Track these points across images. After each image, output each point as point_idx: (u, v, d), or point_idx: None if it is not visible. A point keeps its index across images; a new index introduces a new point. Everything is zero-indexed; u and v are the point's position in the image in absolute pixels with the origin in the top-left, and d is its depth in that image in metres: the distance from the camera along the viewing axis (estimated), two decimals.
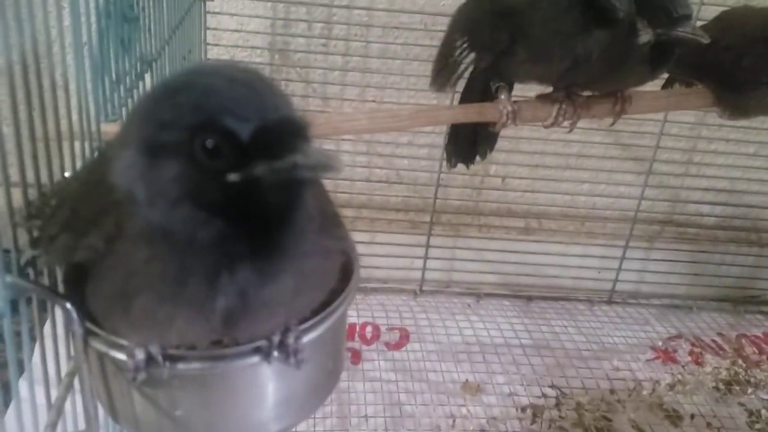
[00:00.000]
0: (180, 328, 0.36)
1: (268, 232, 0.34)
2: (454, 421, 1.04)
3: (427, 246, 1.34)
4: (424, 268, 1.36)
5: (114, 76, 0.58)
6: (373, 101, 1.24)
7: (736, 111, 0.82)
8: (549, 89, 0.74)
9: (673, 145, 1.33)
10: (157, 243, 0.34)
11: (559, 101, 0.72)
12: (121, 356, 0.40)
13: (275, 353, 0.41)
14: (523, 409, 1.08)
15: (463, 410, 1.07)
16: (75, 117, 0.50)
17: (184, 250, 0.34)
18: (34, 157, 0.42)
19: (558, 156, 1.31)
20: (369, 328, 1.25)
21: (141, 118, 0.34)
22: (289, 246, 0.35)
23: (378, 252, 1.33)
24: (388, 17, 1.18)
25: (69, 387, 0.44)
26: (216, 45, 1.15)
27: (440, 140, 1.21)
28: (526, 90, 0.77)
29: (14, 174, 0.41)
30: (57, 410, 0.43)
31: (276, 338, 0.41)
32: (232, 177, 0.32)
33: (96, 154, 0.49)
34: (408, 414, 1.05)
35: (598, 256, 1.38)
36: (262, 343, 0.41)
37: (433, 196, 1.28)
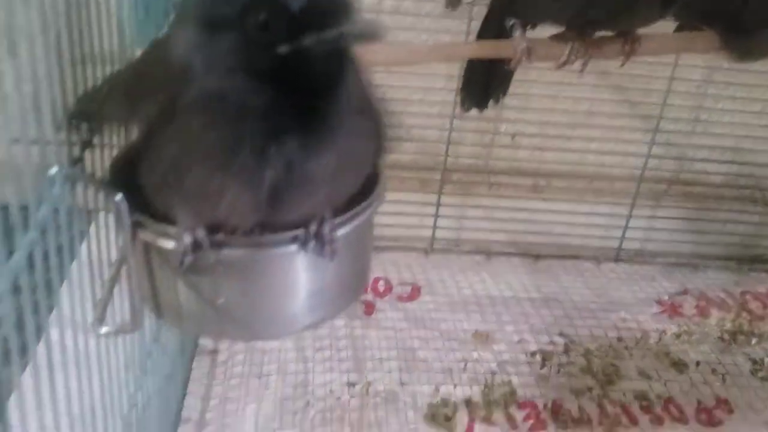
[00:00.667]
0: (230, 201, 0.38)
1: (314, 108, 0.36)
2: (465, 365, 1.08)
3: (438, 205, 1.36)
4: (434, 227, 1.39)
5: (146, 5, 0.60)
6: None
7: (743, 54, 0.84)
8: (561, 30, 0.76)
9: (681, 102, 1.35)
10: (212, 110, 0.36)
11: (571, 40, 0.74)
12: (168, 244, 0.42)
13: (312, 242, 0.43)
14: (533, 354, 1.11)
15: (474, 355, 1.10)
16: (115, 41, 0.52)
17: (237, 118, 0.36)
18: (83, 72, 0.44)
19: (567, 113, 1.33)
20: (381, 282, 1.28)
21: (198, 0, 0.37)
22: (332, 123, 0.37)
23: (388, 210, 1.35)
24: None
25: (114, 281, 0.47)
26: None
27: (452, 97, 1.23)
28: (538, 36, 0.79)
29: None
30: (103, 305, 0.46)
31: (313, 228, 0.43)
32: (282, 49, 0.34)
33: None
34: (421, 359, 1.09)
35: (605, 214, 1.40)
36: (299, 232, 0.43)
37: (443, 154, 1.31)
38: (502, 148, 1.38)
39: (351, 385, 1.02)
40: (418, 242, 1.40)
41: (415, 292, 1.26)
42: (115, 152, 0.49)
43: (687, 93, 1.34)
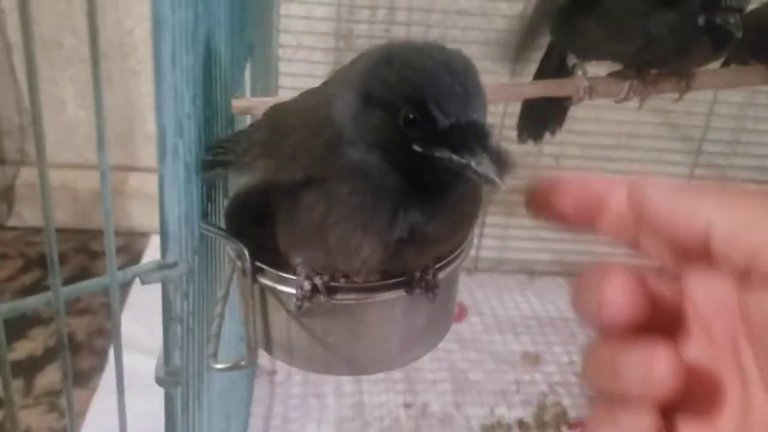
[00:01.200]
0: (365, 254, 0.43)
1: (435, 190, 0.41)
2: (518, 387, 1.10)
3: (483, 225, 1.39)
4: (479, 247, 1.41)
5: (236, 58, 0.64)
6: None
7: None
8: (619, 68, 0.79)
9: (722, 125, 1.37)
10: (356, 180, 0.41)
11: (630, 78, 0.77)
12: (289, 289, 0.46)
13: (417, 288, 0.47)
14: None
15: (526, 377, 1.12)
16: (223, 94, 0.56)
17: (375, 188, 0.41)
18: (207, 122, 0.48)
19: (610, 135, 1.36)
20: None
21: (368, 72, 0.41)
22: (450, 198, 0.42)
23: None
24: (448, 2, 1.23)
25: (222, 318, 0.51)
26: (286, 32, 1.21)
27: (496, 120, 1.27)
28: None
29: None
30: (216, 341, 0.49)
31: (417, 274, 0.47)
32: (417, 148, 0.39)
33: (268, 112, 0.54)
34: (473, 381, 1.11)
35: None
36: (404, 279, 0.47)
37: None
38: (546, 170, 1.41)
39: (407, 406, 1.05)
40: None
41: (462, 312, 1.29)
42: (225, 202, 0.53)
43: (728, 115, 1.36)
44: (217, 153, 0.49)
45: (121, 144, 1.39)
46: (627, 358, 0.28)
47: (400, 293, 0.47)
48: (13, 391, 1.01)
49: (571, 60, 0.77)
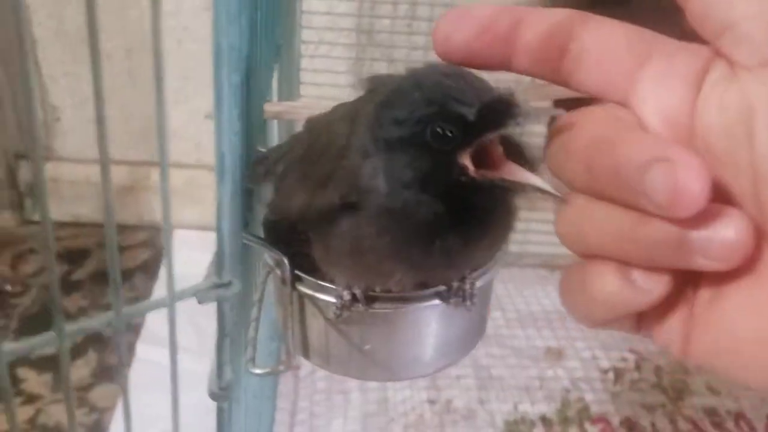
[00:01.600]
0: (396, 279, 0.44)
1: (474, 215, 0.41)
2: (541, 383, 1.11)
3: None
4: None
5: (266, 62, 0.65)
6: None
7: None
8: None
9: None
10: (385, 221, 0.41)
11: None
12: (328, 298, 0.47)
13: (454, 298, 0.48)
14: (605, 372, 1.13)
15: (549, 372, 1.13)
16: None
17: (408, 225, 0.41)
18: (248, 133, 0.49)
19: None
20: None
21: (373, 125, 0.41)
22: (488, 222, 0.43)
23: None
24: None
25: (258, 322, 0.51)
26: (308, 28, 1.21)
27: None
28: None
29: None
30: (253, 345, 0.50)
31: (455, 284, 0.48)
32: (472, 174, 0.38)
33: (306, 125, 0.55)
34: (496, 376, 1.12)
35: None
36: (442, 288, 0.48)
37: None
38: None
39: (431, 402, 1.05)
40: None
41: None
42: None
43: None
44: (256, 171, 0.49)
45: (144, 139, 1.39)
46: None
47: (437, 302, 0.47)
48: (42, 387, 1.02)
49: None
